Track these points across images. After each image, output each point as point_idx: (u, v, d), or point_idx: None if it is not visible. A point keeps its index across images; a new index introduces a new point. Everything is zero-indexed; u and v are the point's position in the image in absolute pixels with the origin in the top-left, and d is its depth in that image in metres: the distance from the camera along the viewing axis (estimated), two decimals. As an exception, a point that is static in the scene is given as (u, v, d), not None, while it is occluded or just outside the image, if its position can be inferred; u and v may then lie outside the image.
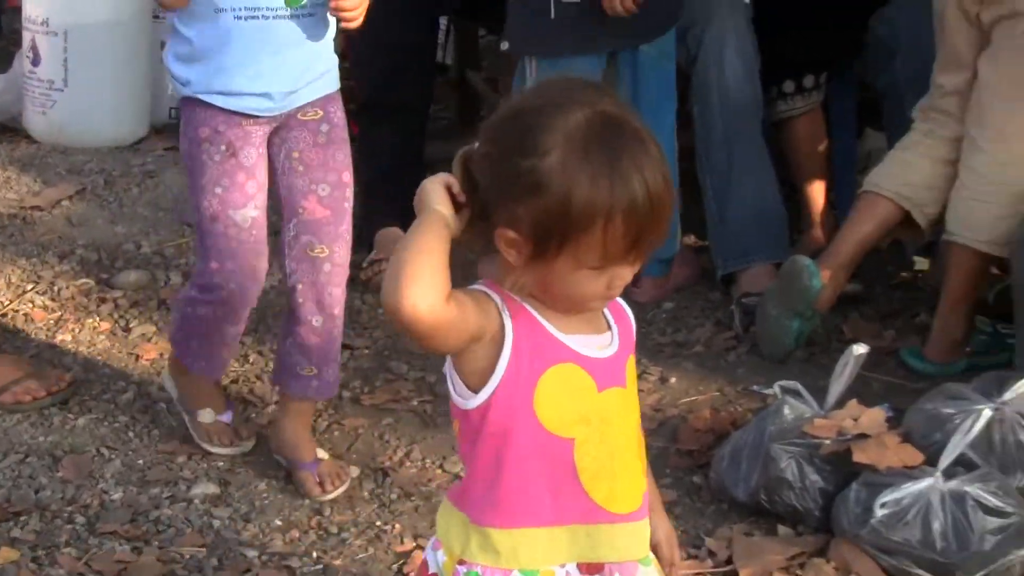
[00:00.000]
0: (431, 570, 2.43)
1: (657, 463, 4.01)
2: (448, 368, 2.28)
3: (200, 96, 3.84)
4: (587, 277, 2.15)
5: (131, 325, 5.01)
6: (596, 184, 2.11)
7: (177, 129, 6.24)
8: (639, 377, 4.33)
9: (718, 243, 5.24)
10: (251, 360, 4.77)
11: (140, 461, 4.22)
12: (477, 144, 2.23)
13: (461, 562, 2.33)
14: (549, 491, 2.27)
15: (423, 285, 2.03)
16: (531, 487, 2.27)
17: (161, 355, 4.77)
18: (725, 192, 5.23)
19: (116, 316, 5.07)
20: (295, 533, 3.85)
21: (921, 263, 5.15)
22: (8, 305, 5.09)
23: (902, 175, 4.61)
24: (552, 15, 4.60)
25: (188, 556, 3.75)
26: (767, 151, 5.31)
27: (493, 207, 2.17)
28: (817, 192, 5.48)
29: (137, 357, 4.81)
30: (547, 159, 2.12)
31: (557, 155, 2.12)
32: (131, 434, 4.36)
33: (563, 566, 2.32)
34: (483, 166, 2.20)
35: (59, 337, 4.92)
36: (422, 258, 2.06)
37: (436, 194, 2.12)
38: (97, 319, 5.05)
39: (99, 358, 4.79)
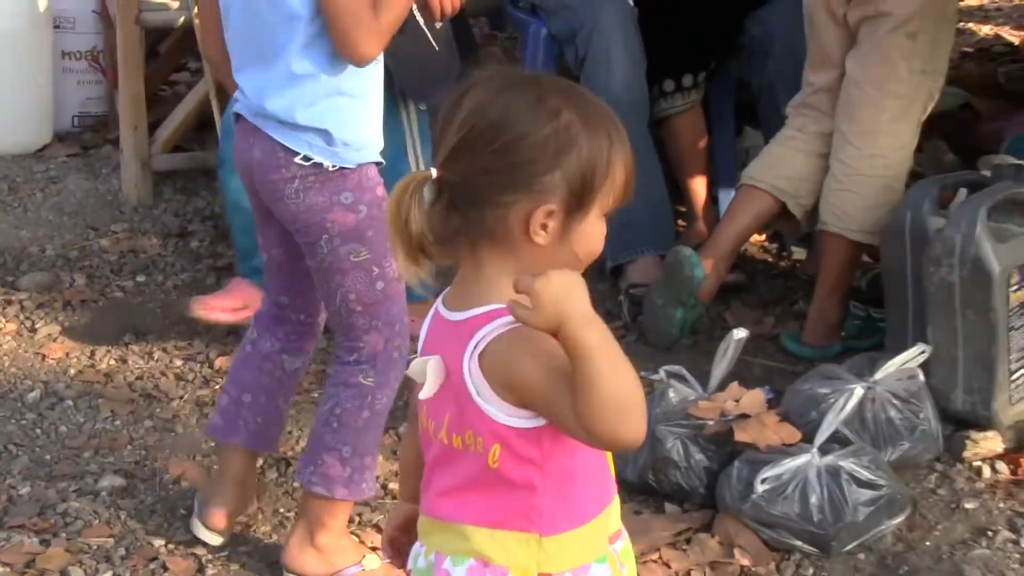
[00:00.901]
0: None
1: None
2: (479, 399, 2.15)
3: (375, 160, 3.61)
4: (602, 226, 2.18)
5: (37, 326, 5.03)
6: (607, 130, 2.19)
7: (79, 138, 6.40)
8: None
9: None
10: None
11: (47, 456, 4.23)
12: (446, 168, 2.16)
13: None
14: (604, 477, 2.33)
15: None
16: (593, 480, 2.30)
17: (67, 354, 4.82)
18: None
19: (22, 317, 5.09)
20: (200, 521, 3.87)
21: (799, 253, 5.25)
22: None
23: (777, 168, 4.71)
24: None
25: (96, 546, 3.76)
26: (653, 148, 5.34)
27: (503, 206, 2.15)
28: (698, 187, 5.55)
29: (43, 356, 4.82)
30: (563, 117, 2.15)
31: (568, 113, 2.15)
32: (38, 431, 4.38)
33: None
34: (476, 172, 2.16)
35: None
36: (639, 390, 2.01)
37: (586, 296, 1.96)
38: (3, 320, 5.08)
39: (5, 358, 4.80)
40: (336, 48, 2.56)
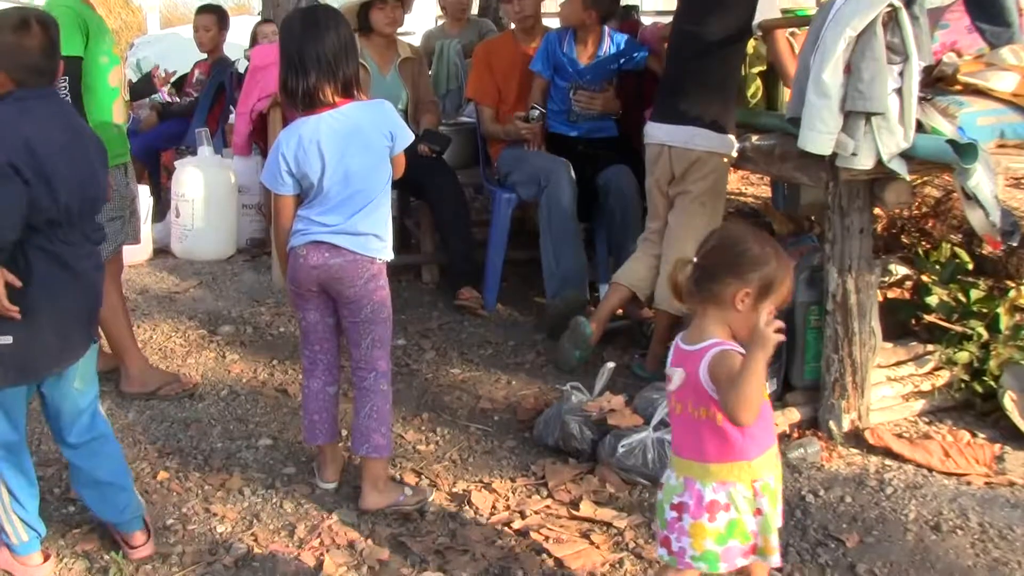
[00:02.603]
0: (722, 501, 2.62)
1: (505, 426, 4.27)
2: (708, 388, 2.55)
3: None
4: (764, 312, 2.51)
5: (226, 354, 5.05)
6: (786, 265, 2.61)
7: (249, 251, 6.51)
8: (496, 382, 4.71)
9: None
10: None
11: (231, 427, 4.29)
12: (696, 260, 2.62)
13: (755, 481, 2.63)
14: (768, 432, 2.70)
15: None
16: (764, 433, 2.67)
17: (242, 370, 4.86)
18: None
19: (218, 350, 5.11)
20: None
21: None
22: (163, 342, 5.16)
23: (631, 274, 4.79)
24: None
25: (256, 478, 3.82)
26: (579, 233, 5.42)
27: (727, 284, 2.56)
28: None
29: (229, 371, 4.86)
30: (768, 249, 2.60)
31: (771, 248, 2.60)
32: (226, 413, 4.42)
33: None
34: (718, 264, 2.58)
35: (189, 360, 4.98)
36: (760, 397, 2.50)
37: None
38: (208, 351, 5.10)
39: (209, 372, 4.85)
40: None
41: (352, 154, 3.44)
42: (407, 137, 3.57)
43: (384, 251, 3.58)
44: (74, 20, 4.15)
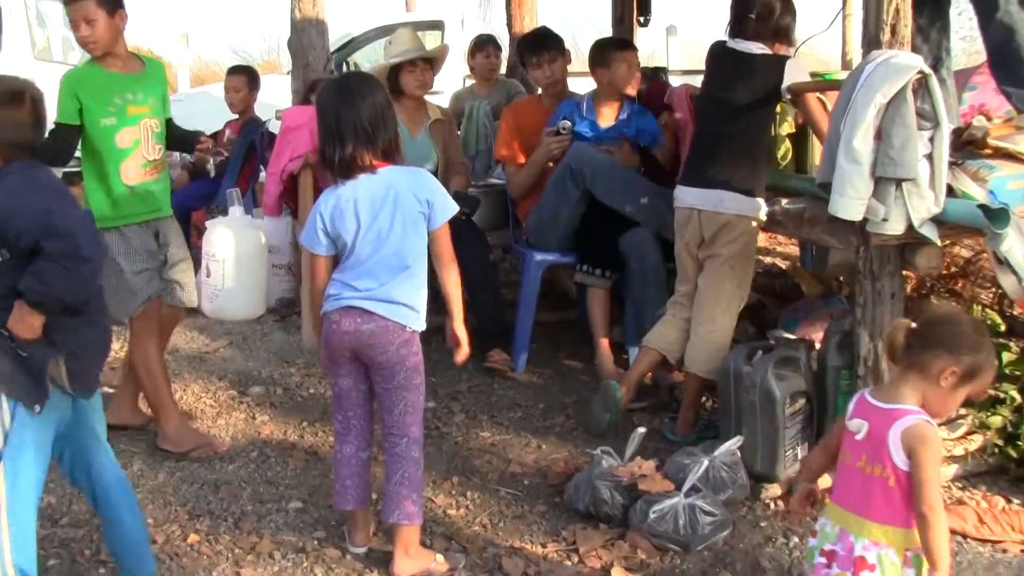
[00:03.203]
0: (870, 560, 2.67)
1: (535, 491, 4.26)
2: (892, 450, 2.62)
3: None
4: (962, 397, 2.66)
5: (256, 415, 5.06)
6: (993, 359, 2.73)
7: (279, 311, 6.53)
8: (526, 445, 4.70)
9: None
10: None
11: (260, 489, 4.25)
12: (915, 326, 2.71)
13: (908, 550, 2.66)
14: None
15: None
16: None
17: (271, 431, 4.85)
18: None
19: (248, 410, 5.12)
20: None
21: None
22: (193, 403, 5.17)
23: (661, 337, 4.78)
24: None
25: (286, 541, 3.81)
26: None
27: (938, 357, 2.64)
28: (607, 344, 5.44)
29: (259, 432, 4.86)
30: (985, 340, 2.70)
31: (987, 339, 2.71)
32: (256, 475, 4.42)
33: None
34: (936, 336, 2.67)
35: (219, 421, 4.98)
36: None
37: None
38: (238, 412, 5.10)
39: (239, 433, 4.86)
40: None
41: (386, 217, 3.48)
42: (449, 208, 3.59)
43: (417, 321, 3.60)
44: (68, 89, 4.34)
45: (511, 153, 5.89)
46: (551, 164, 5.62)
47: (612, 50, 5.63)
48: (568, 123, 5.54)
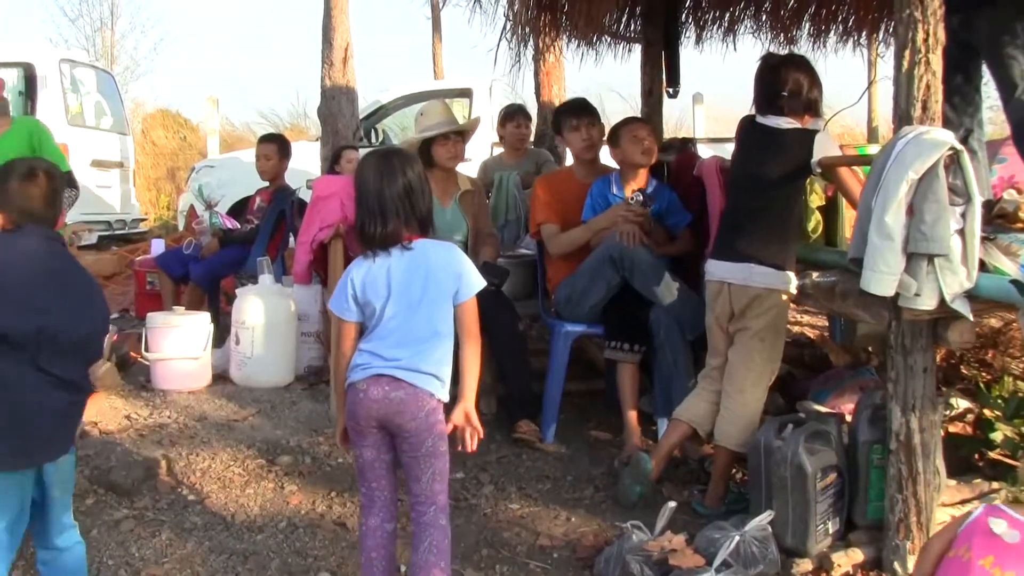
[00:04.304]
0: None
1: (564, 564, 4.25)
2: None
3: None
4: None
5: (285, 485, 5.03)
6: None
7: (307, 379, 6.54)
8: (555, 517, 4.69)
9: None
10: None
11: (288, 560, 4.28)
12: None
13: None
14: None
15: None
16: None
17: (300, 502, 4.85)
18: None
19: (276, 480, 5.10)
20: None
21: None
22: (222, 471, 5.13)
23: (691, 410, 4.80)
24: None
25: None
26: None
27: None
28: (634, 416, 5.43)
29: (288, 502, 4.85)
30: None
31: None
32: (284, 545, 4.41)
33: None
34: None
35: (248, 490, 4.95)
36: None
37: None
38: (266, 481, 5.09)
39: (268, 503, 4.84)
40: None
41: (418, 289, 3.53)
42: (476, 283, 3.64)
43: (443, 391, 3.60)
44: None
45: (551, 215, 5.91)
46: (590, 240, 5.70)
47: (617, 128, 5.77)
48: (641, 196, 5.58)
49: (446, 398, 3.62)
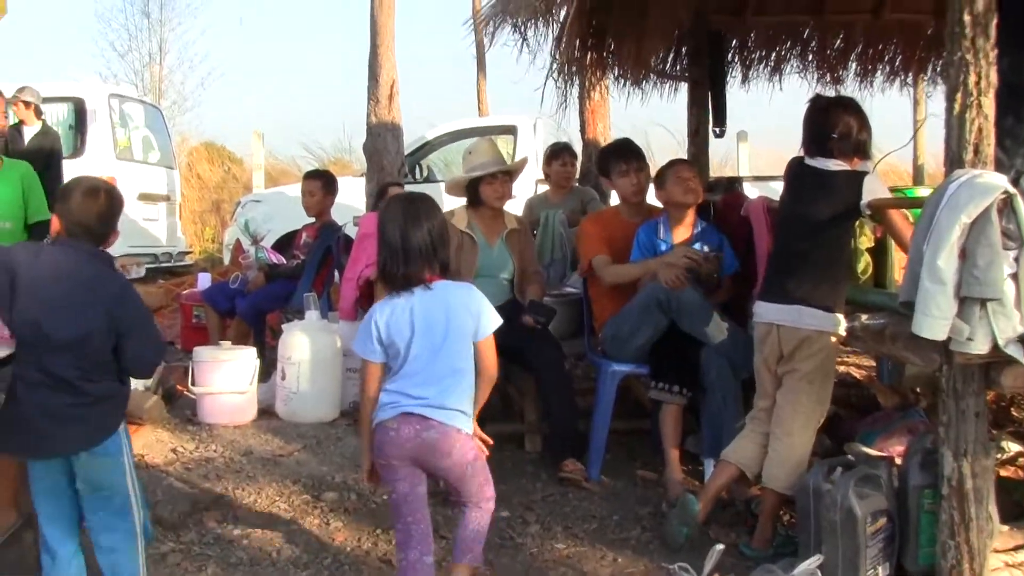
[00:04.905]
0: None
1: None
2: None
3: None
4: None
5: (330, 521, 5.03)
6: None
7: (353, 414, 6.53)
8: (601, 558, 4.68)
9: None
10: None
11: None
12: None
13: None
14: None
15: None
16: None
17: (345, 538, 4.84)
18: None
19: (322, 516, 5.10)
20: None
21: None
22: (267, 506, 5.17)
23: (740, 452, 4.78)
24: None
25: None
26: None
27: None
28: (676, 457, 5.42)
29: (333, 539, 4.85)
30: None
31: None
32: None
33: None
34: None
35: (293, 526, 4.96)
36: None
37: None
38: (312, 517, 5.09)
39: (312, 539, 4.84)
40: None
41: (440, 328, 3.73)
42: (494, 321, 3.85)
43: (468, 424, 3.83)
44: None
45: (602, 248, 5.89)
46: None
47: (663, 170, 5.80)
48: (711, 252, 5.60)
49: (470, 430, 3.84)
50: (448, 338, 3.73)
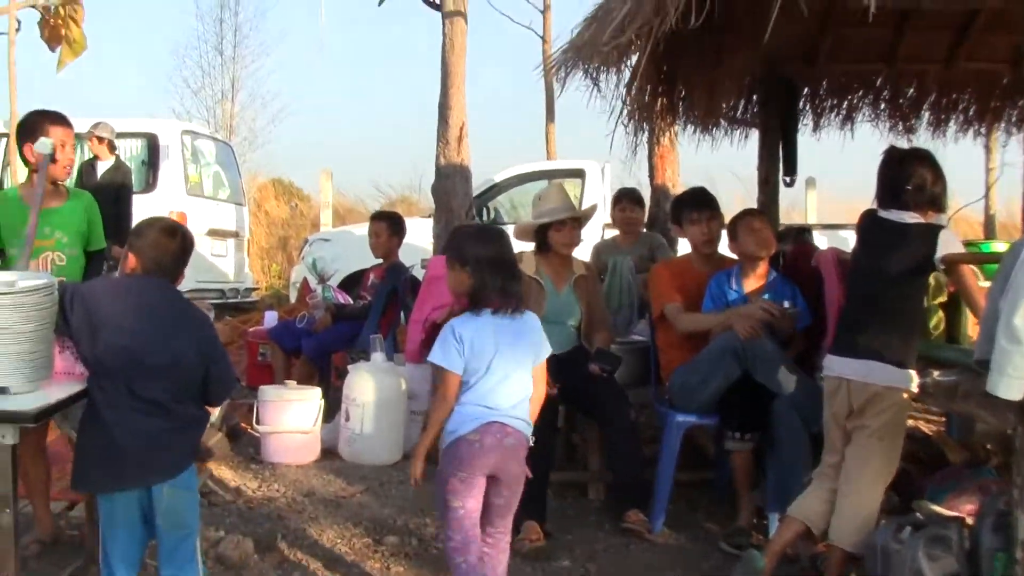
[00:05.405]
0: None
1: None
2: None
3: None
4: None
5: (390, 565, 5.00)
6: None
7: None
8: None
9: None
10: None
11: None
12: None
13: None
14: None
15: None
16: None
17: None
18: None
19: (383, 559, 5.08)
20: None
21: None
22: (328, 548, 5.15)
23: (806, 508, 4.69)
24: None
25: None
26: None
27: None
28: (747, 499, 5.48)
29: None
30: None
31: None
32: None
33: None
34: None
35: (354, 569, 4.93)
36: None
37: None
38: (374, 561, 5.06)
39: None
40: None
41: (520, 349, 4.01)
42: (548, 350, 4.15)
43: (530, 434, 4.06)
44: None
45: (674, 295, 5.88)
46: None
47: (735, 221, 5.79)
48: (790, 309, 5.57)
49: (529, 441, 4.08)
50: (524, 359, 4.01)
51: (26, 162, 4.93)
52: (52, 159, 4.79)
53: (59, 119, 4.93)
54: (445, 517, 4.03)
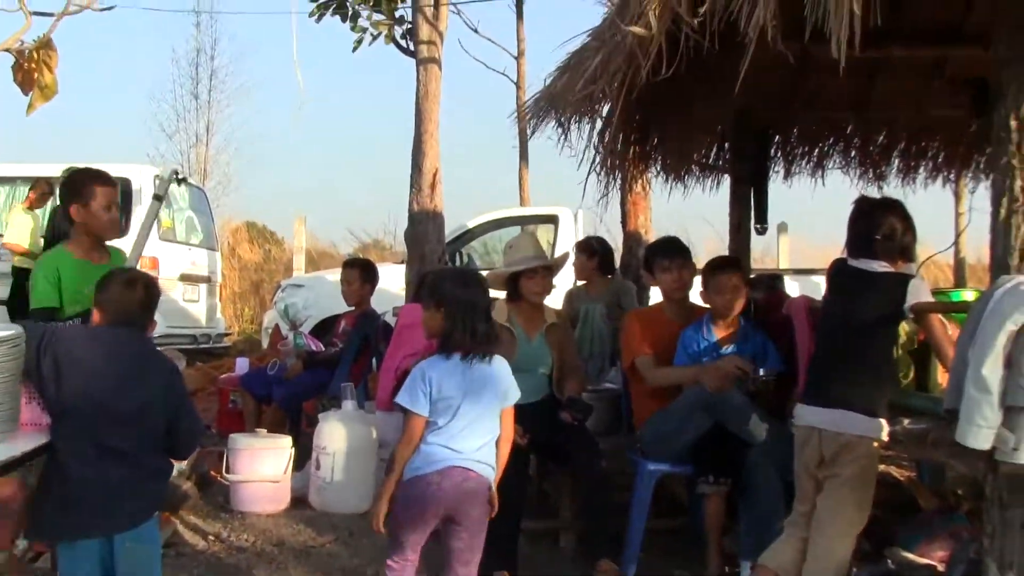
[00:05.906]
0: None
1: None
2: None
3: None
4: None
5: None
6: None
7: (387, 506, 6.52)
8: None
9: None
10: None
11: None
12: None
13: None
14: None
15: None
16: None
17: None
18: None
19: None
20: None
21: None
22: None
23: (777, 558, 4.67)
24: None
25: None
26: None
27: None
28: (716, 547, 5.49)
29: None
30: None
31: None
32: None
33: None
34: None
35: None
36: None
37: None
38: None
39: None
40: None
41: (487, 393, 4.08)
42: (515, 394, 4.21)
43: (493, 477, 4.12)
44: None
45: (645, 348, 5.86)
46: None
47: (706, 274, 5.80)
48: (768, 375, 5.58)
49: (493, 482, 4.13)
50: (492, 403, 4.08)
51: (70, 220, 5.03)
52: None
53: (105, 179, 4.99)
54: (390, 544, 4.16)
